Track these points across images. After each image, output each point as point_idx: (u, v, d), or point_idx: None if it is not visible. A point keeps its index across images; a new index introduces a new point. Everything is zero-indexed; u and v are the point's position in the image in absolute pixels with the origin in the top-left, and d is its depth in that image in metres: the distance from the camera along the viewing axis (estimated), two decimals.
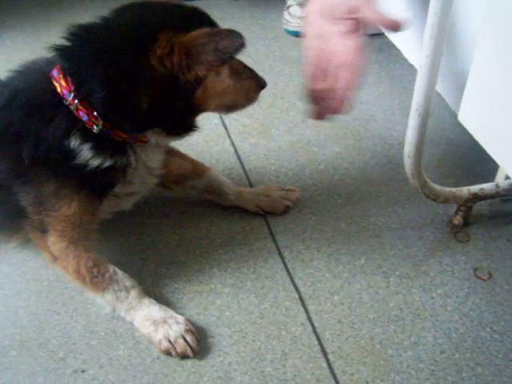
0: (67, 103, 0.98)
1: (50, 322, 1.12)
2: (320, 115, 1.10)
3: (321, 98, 1.07)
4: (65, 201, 1.05)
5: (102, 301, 1.10)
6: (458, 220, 1.27)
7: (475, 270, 1.19)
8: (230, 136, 1.55)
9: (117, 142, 1.02)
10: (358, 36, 0.99)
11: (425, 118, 1.07)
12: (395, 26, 0.95)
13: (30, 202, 1.07)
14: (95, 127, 0.98)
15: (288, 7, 2.00)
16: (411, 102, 1.08)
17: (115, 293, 1.08)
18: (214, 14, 2.16)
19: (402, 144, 1.16)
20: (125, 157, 1.05)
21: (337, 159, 1.46)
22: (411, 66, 1.58)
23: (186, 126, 1.06)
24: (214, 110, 1.12)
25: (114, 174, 1.06)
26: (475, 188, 1.23)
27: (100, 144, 1.01)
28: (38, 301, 1.16)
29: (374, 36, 1.89)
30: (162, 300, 1.13)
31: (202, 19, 1.05)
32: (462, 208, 1.25)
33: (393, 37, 1.69)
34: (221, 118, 1.59)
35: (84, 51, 0.98)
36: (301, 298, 1.14)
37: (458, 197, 1.23)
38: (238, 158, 1.47)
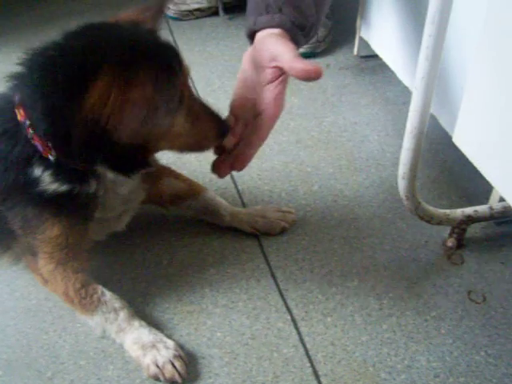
0: (21, 125, 0.95)
1: (37, 341, 1.10)
2: (222, 168, 1.07)
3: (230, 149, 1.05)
4: (47, 224, 1.03)
5: (92, 322, 1.08)
6: (451, 242, 1.26)
7: (469, 292, 1.18)
8: None
9: (75, 172, 0.98)
10: (279, 84, 1.00)
11: (419, 139, 1.07)
12: (310, 75, 0.94)
13: (18, 225, 1.06)
14: (50, 157, 0.95)
15: None
16: (405, 124, 1.08)
17: (104, 314, 1.07)
18: (210, 34, 2.19)
19: (395, 165, 1.16)
20: (86, 184, 1.00)
21: (330, 180, 1.46)
22: (405, 88, 1.58)
23: (132, 166, 0.98)
24: (168, 150, 1.02)
25: (84, 200, 1.02)
26: (469, 210, 1.22)
27: (59, 171, 0.97)
28: (26, 319, 1.14)
29: (368, 58, 1.91)
30: (153, 320, 1.12)
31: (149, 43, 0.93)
32: (456, 230, 1.25)
33: (387, 58, 1.70)
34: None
35: (29, 82, 0.91)
36: (293, 320, 1.13)
37: (451, 219, 1.22)
38: (231, 177, 1.47)
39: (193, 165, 1.50)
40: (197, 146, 1.04)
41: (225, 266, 1.24)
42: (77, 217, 1.06)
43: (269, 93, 1.00)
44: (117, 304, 1.08)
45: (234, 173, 1.46)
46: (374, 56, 1.82)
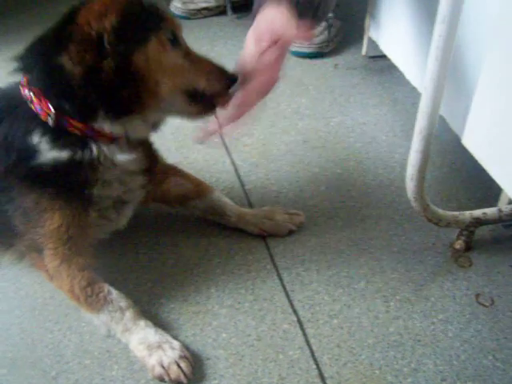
0: (25, 100, 1.00)
1: (42, 340, 1.10)
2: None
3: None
4: (47, 214, 1.03)
5: (98, 321, 1.07)
6: (459, 244, 1.25)
7: (477, 295, 1.17)
8: (230, 155, 1.54)
9: (76, 136, 1.01)
10: (276, 50, 1.07)
11: (428, 141, 1.06)
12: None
13: (20, 221, 1.06)
14: (49, 119, 0.98)
15: None
16: (413, 125, 1.07)
17: (110, 313, 1.06)
18: (217, 33, 2.18)
19: (403, 166, 1.15)
20: (86, 151, 1.02)
21: (338, 181, 1.45)
22: (414, 89, 1.57)
23: (134, 101, 1.00)
24: (169, 97, 1.04)
25: (83, 172, 1.03)
26: (478, 212, 1.21)
27: (58, 135, 1.00)
28: (31, 318, 1.14)
29: (377, 58, 1.90)
30: (158, 320, 1.11)
31: None
32: (464, 232, 1.24)
33: (395, 59, 1.69)
34: (221, 137, 1.58)
35: (29, 49, 1.01)
36: (299, 321, 1.12)
37: (460, 221, 1.21)
38: (238, 177, 1.46)
39: (199, 164, 1.50)
40: (205, 84, 1.06)
41: (231, 267, 1.23)
42: (76, 200, 1.05)
43: (265, 59, 1.06)
44: (123, 303, 1.07)
45: (242, 173, 1.46)
46: (383, 56, 1.81)
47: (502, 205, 1.25)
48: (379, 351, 1.07)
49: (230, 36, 2.13)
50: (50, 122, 0.98)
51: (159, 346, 1.03)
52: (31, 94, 1.00)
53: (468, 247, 1.25)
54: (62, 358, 1.07)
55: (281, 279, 1.20)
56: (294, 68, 1.93)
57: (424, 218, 1.19)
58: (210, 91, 1.06)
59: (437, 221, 1.19)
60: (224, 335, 1.10)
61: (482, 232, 1.28)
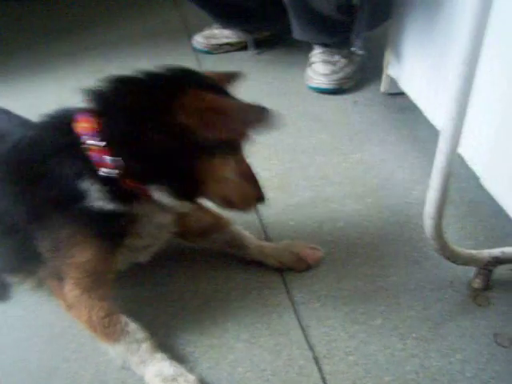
0: (83, 144, 1.01)
1: (59, 369, 1.11)
2: None
3: None
4: (79, 247, 1.05)
5: (113, 352, 1.08)
6: (477, 283, 1.24)
7: (495, 335, 1.15)
8: None
9: (123, 191, 1.03)
10: None
11: (446, 180, 1.06)
12: None
13: (46, 248, 1.07)
14: (103, 170, 1.00)
15: (311, 64, 2.03)
16: (432, 162, 1.07)
17: (126, 345, 1.06)
18: (239, 68, 2.21)
19: (421, 204, 1.15)
20: (129, 207, 1.05)
21: (356, 217, 1.46)
22: (433, 126, 1.58)
23: (185, 191, 1.06)
24: (210, 196, 1.12)
25: (122, 224, 1.06)
26: (496, 251, 1.21)
27: (108, 188, 1.02)
28: (48, 346, 1.15)
29: (396, 95, 1.91)
30: (174, 353, 1.11)
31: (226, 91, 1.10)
32: (483, 271, 1.23)
33: (414, 97, 1.71)
34: None
35: (114, 95, 1.02)
36: (315, 357, 1.12)
37: (478, 260, 1.21)
38: (256, 211, 1.47)
39: None
40: (239, 201, 1.14)
41: (247, 301, 1.23)
42: (109, 242, 1.07)
43: None
44: (140, 335, 1.07)
45: (260, 207, 1.46)
46: (402, 94, 1.83)
47: None
48: None
49: (250, 71, 2.16)
50: (105, 172, 1.00)
51: (174, 379, 1.03)
52: (91, 142, 1.00)
53: (486, 286, 1.25)
54: None
55: (297, 314, 1.20)
56: (313, 104, 1.95)
57: (442, 256, 1.18)
58: (240, 208, 1.16)
59: (455, 259, 1.19)
60: (239, 369, 1.09)
61: (500, 271, 1.26)
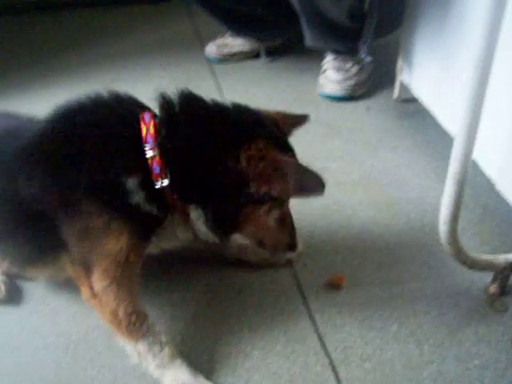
0: (146, 149, 1.02)
1: (76, 378, 1.11)
2: None
3: None
4: (114, 235, 1.03)
5: (133, 350, 1.06)
6: (494, 289, 1.24)
7: None
8: None
9: (164, 200, 1.05)
10: None
11: (461, 186, 1.06)
12: None
13: (74, 236, 1.05)
14: (160, 181, 1.02)
15: (324, 71, 2.04)
16: (446, 167, 1.07)
17: (149, 345, 1.05)
18: (251, 76, 2.22)
19: (436, 210, 1.14)
20: (163, 214, 1.07)
21: (370, 223, 1.45)
22: (445, 132, 1.58)
23: (221, 226, 1.08)
24: (245, 235, 1.16)
25: (153, 223, 1.08)
26: None
27: (150, 193, 1.03)
28: (66, 355, 1.15)
29: (409, 101, 1.91)
30: (191, 360, 1.12)
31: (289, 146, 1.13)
32: (499, 276, 1.23)
33: (427, 103, 1.71)
34: None
35: (186, 116, 1.05)
36: (331, 364, 1.12)
37: (494, 265, 1.20)
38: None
39: None
40: (271, 248, 1.19)
41: (263, 308, 1.23)
42: (141, 236, 1.08)
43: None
44: (164, 338, 1.07)
45: None
46: (415, 100, 1.83)
47: None
48: None
49: (263, 79, 2.18)
50: (158, 184, 1.03)
51: None
52: (153, 152, 1.02)
53: (503, 291, 1.24)
54: None
55: (313, 321, 1.20)
56: (326, 111, 1.95)
57: (458, 262, 1.18)
58: (274, 252, 1.23)
59: (471, 264, 1.18)
60: (256, 377, 1.10)
61: None
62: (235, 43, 2.33)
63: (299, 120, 1.20)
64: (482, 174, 1.40)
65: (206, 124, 1.04)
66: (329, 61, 2.03)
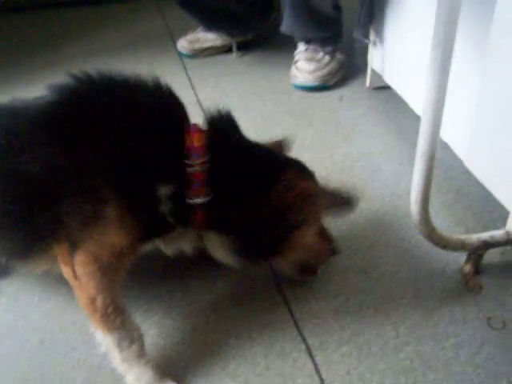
0: (188, 160, 1.00)
1: (50, 372, 1.09)
2: None
3: None
4: (122, 230, 0.99)
5: (101, 339, 1.03)
6: (468, 268, 1.24)
7: (488, 319, 1.15)
8: None
9: (187, 215, 1.04)
10: None
11: (430, 164, 1.06)
12: None
13: (75, 216, 0.97)
14: (196, 198, 1.01)
15: (295, 62, 2.03)
16: None
17: (118, 339, 1.02)
18: (223, 71, 2.22)
19: (410, 194, 1.14)
20: (181, 225, 1.06)
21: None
22: (418, 118, 1.57)
23: (252, 252, 1.10)
24: (285, 261, 1.18)
25: (163, 227, 1.06)
26: (485, 235, 1.20)
27: (177, 208, 1.02)
28: (40, 351, 1.14)
29: (381, 89, 1.92)
30: (167, 351, 1.11)
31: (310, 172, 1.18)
32: (473, 256, 1.23)
33: (399, 89, 1.71)
34: None
35: (232, 143, 1.07)
36: (308, 349, 1.11)
37: (467, 244, 1.20)
38: None
39: None
40: (314, 261, 1.20)
41: (238, 297, 1.23)
42: (147, 235, 1.05)
43: None
44: (135, 334, 1.04)
45: None
46: (387, 87, 1.83)
47: (510, 227, 1.24)
48: (390, 377, 1.05)
49: (234, 73, 2.17)
50: (193, 201, 1.01)
51: None
52: (197, 168, 1.01)
53: (477, 271, 1.24)
54: None
55: (289, 308, 1.20)
56: (298, 101, 1.95)
57: (431, 243, 1.18)
58: (314, 267, 1.23)
59: (444, 244, 1.18)
60: (232, 365, 1.09)
61: (491, 255, 1.27)
62: (207, 38, 2.32)
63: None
64: (454, 157, 1.40)
65: (247, 153, 1.07)
66: (300, 51, 2.03)
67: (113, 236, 0.99)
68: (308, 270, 1.21)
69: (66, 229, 0.98)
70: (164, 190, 1.00)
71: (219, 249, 1.09)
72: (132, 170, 0.99)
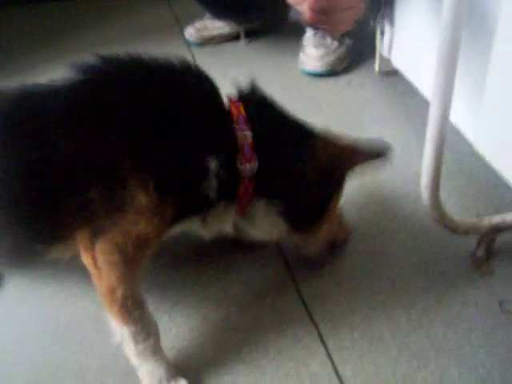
0: (237, 128, 1.02)
1: (64, 362, 1.10)
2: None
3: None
4: (152, 220, 0.95)
5: (117, 329, 1.00)
6: (480, 252, 1.23)
7: (501, 303, 1.15)
8: None
9: (234, 189, 1.04)
10: None
11: (440, 148, 1.06)
12: None
13: (103, 203, 0.94)
14: (248, 166, 1.02)
15: (304, 48, 2.03)
16: None
17: (135, 332, 1.00)
18: (231, 59, 2.21)
19: (420, 178, 1.14)
20: (227, 199, 1.05)
21: (355, 195, 1.44)
22: (427, 103, 1.56)
23: (301, 217, 1.12)
24: (320, 237, 1.19)
25: (197, 211, 1.06)
26: (497, 218, 1.20)
27: (226, 179, 1.01)
28: (54, 341, 1.15)
29: (390, 74, 1.91)
30: (180, 339, 1.12)
31: None
32: (484, 240, 1.22)
33: (408, 74, 1.70)
34: None
35: (269, 110, 1.11)
36: (320, 334, 1.11)
37: (478, 228, 1.20)
38: None
39: None
40: (332, 238, 1.23)
41: (250, 283, 1.23)
42: (177, 219, 1.02)
43: None
44: (152, 329, 1.02)
45: None
46: (396, 72, 1.82)
47: None
48: (402, 361, 1.05)
49: (243, 61, 2.16)
50: (247, 169, 1.02)
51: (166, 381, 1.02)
52: (249, 132, 1.03)
53: (489, 255, 1.24)
54: (84, 380, 1.07)
55: (300, 293, 1.20)
56: (307, 87, 1.95)
57: (441, 226, 1.18)
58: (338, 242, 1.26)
59: (455, 228, 1.18)
60: (245, 349, 1.09)
61: (503, 239, 1.26)
62: (214, 26, 2.31)
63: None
64: (464, 141, 1.39)
65: (284, 121, 1.10)
66: (308, 37, 2.02)
67: (142, 225, 0.95)
68: (334, 246, 1.24)
69: (92, 216, 0.94)
70: (214, 162, 0.99)
71: (263, 220, 1.10)
72: (175, 148, 0.97)
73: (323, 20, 1.26)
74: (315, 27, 1.24)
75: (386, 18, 1.80)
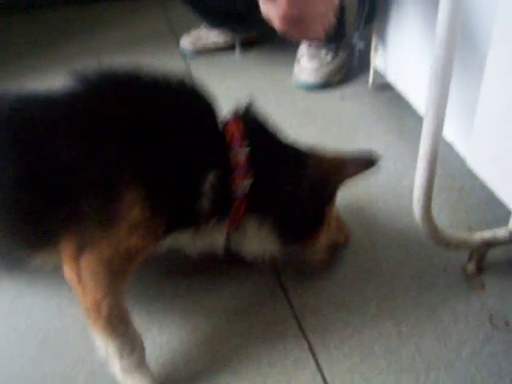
0: (233, 148, 1.03)
1: (53, 371, 1.10)
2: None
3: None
4: (141, 231, 0.95)
5: (101, 343, 0.99)
6: (471, 267, 1.24)
7: (491, 317, 1.15)
8: None
9: (227, 206, 1.05)
10: None
11: (433, 162, 1.06)
12: None
13: (93, 214, 0.93)
14: (244, 182, 1.03)
15: (299, 60, 2.04)
16: None
17: (120, 345, 0.98)
18: (226, 69, 2.22)
19: (412, 193, 1.15)
20: (219, 217, 1.06)
21: (347, 208, 1.45)
22: (420, 118, 1.57)
23: (296, 232, 1.14)
24: (319, 245, 1.20)
25: (187, 227, 1.06)
26: (488, 234, 1.20)
27: (219, 200, 1.02)
28: (43, 349, 1.14)
29: (384, 88, 1.92)
30: (169, 349, 1.11)
31: None
32: (476, 254, 1.23)
33: (402, 88, 1.71)
34: None
35: (265, 132, 1.12)
36: (310, 347, 1.11)
37: (470, 243, 1.20)
38: None
39: None
40: (338, 240, 1.27)
41: (240, 295, 1.23)
42: (166, 234, 1.03)
43: None
44: (136, 342, 1.01)
45: None
46: (389, 86, 1.83)
47: None
48: (392, 375, 1.05)
49: (238, 71, 2.17)
50: (242, 186, 1.04)
51: None
52: (244, 149, 1.04)
53: (480, 269, 1.24)
54: None
55: (291, 305, 1.20)
56: (301, 100, 1.95)
57: (433, 241, 1.18)
58: (337, 244, 1.28)
59: (446, 243, 1.18)
60: (235, 362, 1.09)
61: (494, 254, 1.26)
62: (210, 36, 2.32)
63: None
64: (456, 156, 1.40)
65: (278, 139, 1.12)
66: (303, 49, 2.03)
67: (132, 239, 0.95)
68: (333, 250, 1.26)
69: (81, 226, 0.94)
70: (209, 179, 1.00)
71: (256, 235, 1.11)
72: (169, 165, 0.97)
73: (293, 28, 1.27)
74: (285, 35, 1.25)
75: (379, 33, 1.81)
